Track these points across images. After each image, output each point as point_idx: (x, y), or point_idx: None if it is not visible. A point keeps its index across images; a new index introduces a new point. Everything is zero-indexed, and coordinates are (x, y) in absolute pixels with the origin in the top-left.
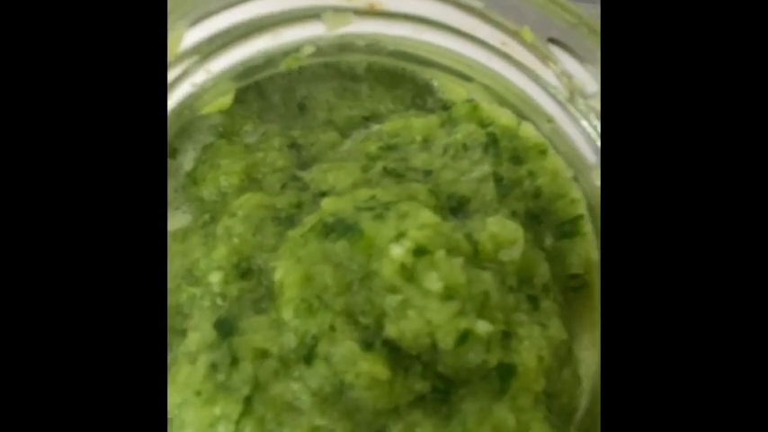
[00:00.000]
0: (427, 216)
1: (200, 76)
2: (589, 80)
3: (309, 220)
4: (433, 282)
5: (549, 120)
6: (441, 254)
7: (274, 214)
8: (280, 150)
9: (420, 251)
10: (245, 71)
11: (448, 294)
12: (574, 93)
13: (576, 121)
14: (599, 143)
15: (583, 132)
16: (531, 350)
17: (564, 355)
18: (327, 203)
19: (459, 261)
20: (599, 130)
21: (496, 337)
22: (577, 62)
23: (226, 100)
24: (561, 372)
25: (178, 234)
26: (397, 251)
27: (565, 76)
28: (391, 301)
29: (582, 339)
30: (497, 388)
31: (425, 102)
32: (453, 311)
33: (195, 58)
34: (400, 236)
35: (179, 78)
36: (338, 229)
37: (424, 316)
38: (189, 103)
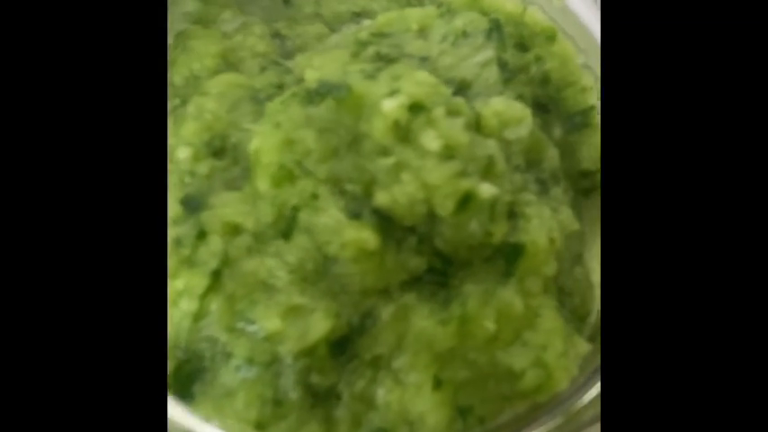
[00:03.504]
0: (424, 75)
1: None
2: None
3: (291, 89)
4: (431, 140)
5: None
6: (439, 111)
7: (252, 94)
8: (261, 38)
9: (416, 107)
10: None
11: (447, 154)
12: None
13: None
14: None
15: (595, 6)
16: (540, 229)
17: (576, 251)
18: (311, 73)
19: (460, 121)
20: None
21: (502, 207)
22: None
23: None
24: (573, 269)
25: None
26: (391, 105)
27: None
28: (383, 163)
29: (592, 248)
30: (502, 270)
31: (422, 2)
32: (453, 172)
33: None
34: (394, 92)
35: None
36: (323, 91)
37: (420, 178)
38: None
